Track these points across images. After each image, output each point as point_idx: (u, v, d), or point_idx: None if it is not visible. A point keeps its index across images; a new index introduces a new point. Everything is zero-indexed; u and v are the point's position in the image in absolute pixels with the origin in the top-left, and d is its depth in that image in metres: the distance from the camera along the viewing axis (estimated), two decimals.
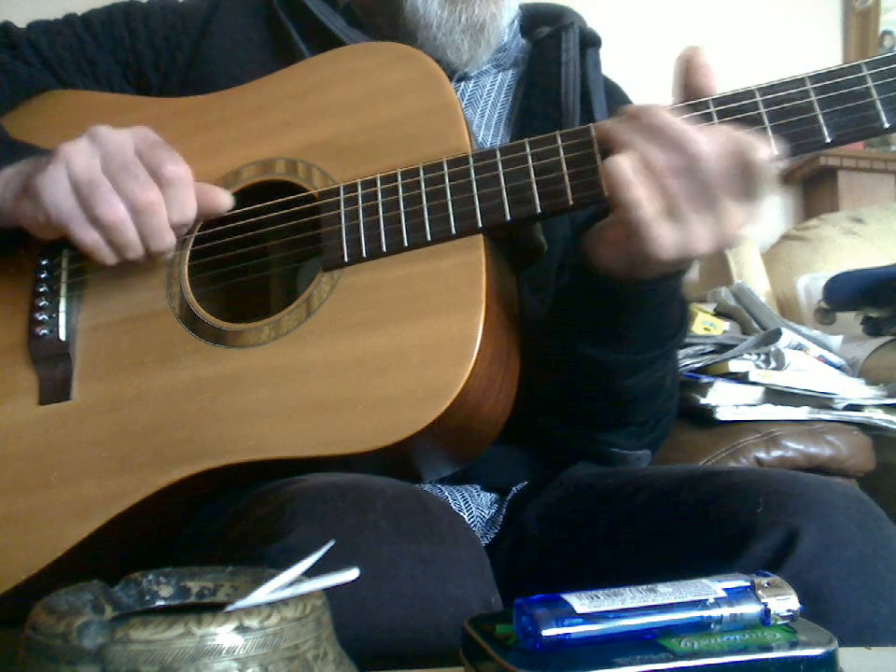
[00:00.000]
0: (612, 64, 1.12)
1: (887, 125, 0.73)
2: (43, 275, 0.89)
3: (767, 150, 0.71)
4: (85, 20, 1.04)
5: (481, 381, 0.76)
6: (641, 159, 0.71)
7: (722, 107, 0.76)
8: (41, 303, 0.88)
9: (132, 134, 0.82)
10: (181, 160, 0.82)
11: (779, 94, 0.74)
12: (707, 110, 0.76)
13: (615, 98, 1.08)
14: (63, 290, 0.88)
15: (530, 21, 1.10)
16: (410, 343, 0.76)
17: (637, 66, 1.94)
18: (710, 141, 0.70)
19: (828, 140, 0.74)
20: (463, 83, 1.03)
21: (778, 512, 0.72)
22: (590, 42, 1.06)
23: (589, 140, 0.78)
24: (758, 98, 0.75)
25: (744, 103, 0.76)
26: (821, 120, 0.74)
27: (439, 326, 0.76)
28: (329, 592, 0.44)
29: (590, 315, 0.83)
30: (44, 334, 0.87)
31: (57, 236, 0.83)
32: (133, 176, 0.79)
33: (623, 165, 0.71)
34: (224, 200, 0.85)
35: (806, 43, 2.82)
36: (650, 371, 0.86)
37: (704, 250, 0.72)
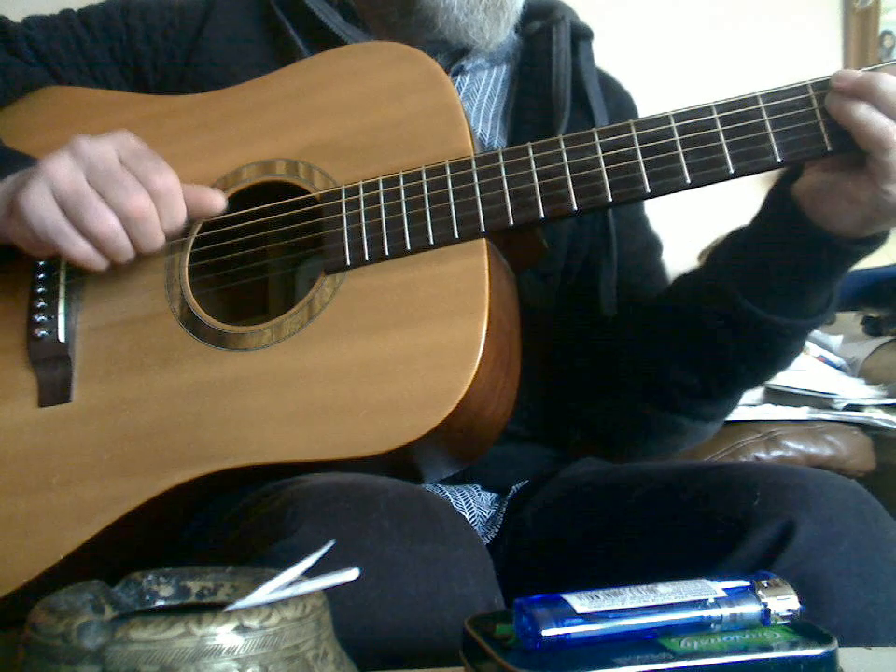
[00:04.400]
0: (608, 59, 1.12)
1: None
2: (41, 276, 0.89)
3: None
4: (82, 16, 1.03)
5: (483, 385, 0.76)
6: (888, 109, 0.72)
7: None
8: (39, 305, 0.87)
9: (113, 142, 0.81)
10: (166, 167, 0.81)
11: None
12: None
13: (610, 90, 1.08)
14: (62, 292, 0.88)
15: (522, 16, 1.10)
16: (413, 348, 0.76)
17: (632, 61, 1.93)
18: None
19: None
20: (459, 77, 1.02)
21: (775, 505, 0.72)
22: (581, 35, 1.06)
23: (592, 145, 0.78)
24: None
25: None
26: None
27: (442, 330, 0.76)
28: (332, 592, 0.44)
29: (784, 275, 0.84)
30: (43, 336, 0.86)
31: (50, 254, 0.83)
32: (120, 185, 0.78)
33: (876, 113, 0.72)
34: (217, 202, 0.84)
35: (806, 43, 2.81)
36: (804, 338, 0.90)
37: None
